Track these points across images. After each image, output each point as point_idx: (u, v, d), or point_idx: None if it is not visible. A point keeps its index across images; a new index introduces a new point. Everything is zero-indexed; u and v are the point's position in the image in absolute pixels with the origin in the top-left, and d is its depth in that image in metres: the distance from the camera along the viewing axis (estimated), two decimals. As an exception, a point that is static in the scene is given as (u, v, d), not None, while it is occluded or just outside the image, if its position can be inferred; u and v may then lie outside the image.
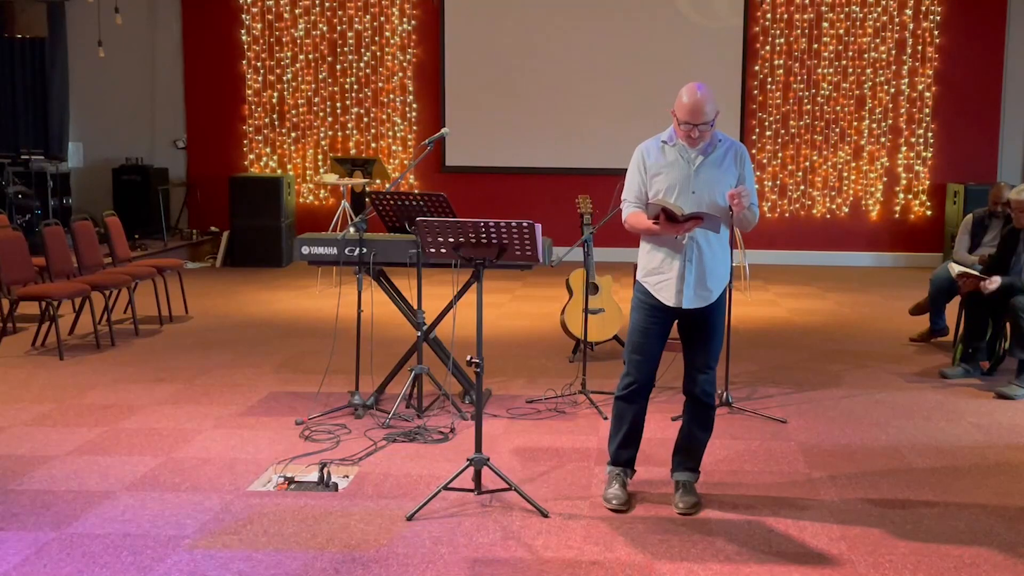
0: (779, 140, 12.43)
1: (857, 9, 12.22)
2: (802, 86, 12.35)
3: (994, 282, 6.37)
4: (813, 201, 12.50)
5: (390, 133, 12.79)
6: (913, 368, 7.02)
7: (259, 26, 12.77)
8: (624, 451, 4.48)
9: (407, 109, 12.74)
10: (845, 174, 12.43)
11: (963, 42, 12.17)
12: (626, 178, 4.39)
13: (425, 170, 12.62)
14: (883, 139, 12.35)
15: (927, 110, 12.28)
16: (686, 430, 4.48)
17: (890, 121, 12.32)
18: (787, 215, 12.55)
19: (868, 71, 12.28)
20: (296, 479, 4.66)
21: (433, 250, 4.44)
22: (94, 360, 7.08)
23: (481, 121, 12.51)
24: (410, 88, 12.73)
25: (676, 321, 4.36)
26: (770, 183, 12.50)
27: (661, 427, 5.42)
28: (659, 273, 4.30)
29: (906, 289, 10.00)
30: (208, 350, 7.43)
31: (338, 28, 12.71)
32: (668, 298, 4.27)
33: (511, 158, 12.56)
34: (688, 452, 4.47)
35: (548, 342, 7.67)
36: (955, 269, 6.72)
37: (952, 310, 7.42)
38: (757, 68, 12.35)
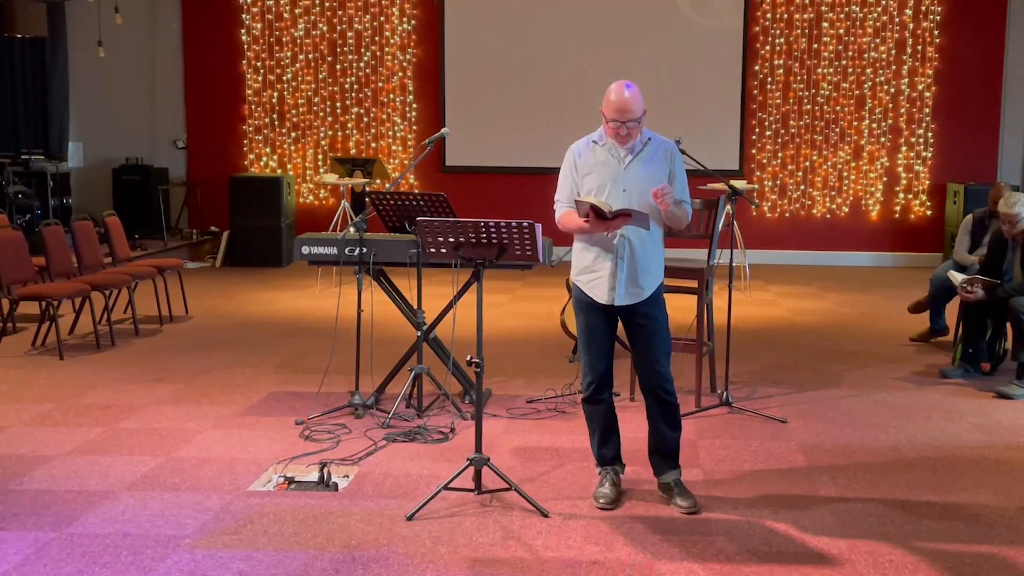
0: (779, 140, 12.43)
1: (857, 9, 12.22)
2: (802, 86, 12.35)
3: (977, 294, 6.47)
4: (813, 201, 12.50)
5: (390, 133, 12.79)
6: (913, 368, 7.02)
7: (259, 26, 12.77)
8: (606, 449, 4.51)
9: (407, 109, 12.74)
10: (845, 174, 12.43)
11: (963, 42, 12.17)
12: (558, 179, 4.42)
13: (425, 170, 12.62)
14: (883, 139, 12.35)
15: (927, 110, 12.28)
16: (655, 431, 4.46)
17: (890, 121, 12.32)
18: (787, 215, 12.55)
19: (868, 71, 12.28)
20: (296, 479, 4.66)
21: (433, 250, 4.44)
22: (94, 360, 7.08)
23: (481, 121, 12.51)
24: (410, 88, 12.73)
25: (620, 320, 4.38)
26: (770, 183, 12.50)
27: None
28: (592, 272, 4.33)
29: (906, 289, 9.99)
30: (208, 350, 7.43)
31: (338, 28, 12.71)
32: (600, 296, 4.30)
33: (511, 158, 12.56)
34: (663, 452, 4.45)
35: (548, 342, 7.67)
36: (957, 278, 6.70)
37: (952, 310, 7.42)
38: (757, 68, 12.35)
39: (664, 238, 4.45)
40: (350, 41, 12.70)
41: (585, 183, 4.33)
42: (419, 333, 5.70)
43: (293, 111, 12.84)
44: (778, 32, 12.31)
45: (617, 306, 4.29)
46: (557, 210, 4.42)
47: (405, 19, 12.63)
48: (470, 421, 5.44)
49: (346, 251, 5.67)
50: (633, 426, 5.05)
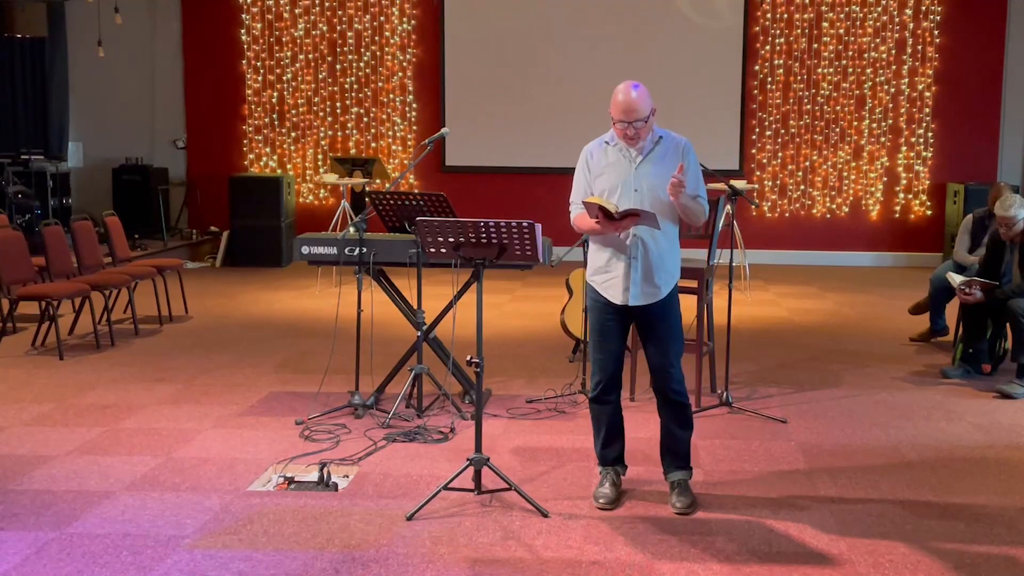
0: (779, 140, 12.43)
1: (857, 9, 12.22)
2: (802, 86, 12.35)
3: (975, 296, 6.47)
4: (813, 201, 12.50)
5: (390, 133, 12.79)
6: (913, 368, 7.02)
7: (259, 26, 12.77)
8: (609, 450, 4.50)
9: (407, 109, 12.74)
10: (845, 174, 12.43)
11: (963, 42, 12.17)
12: (573, 180, 4.41)
13: (425, 170, 12.62)
14: (883, 139, 12.35)
15: (927, 110, 12.28)
16: (666, 430, 4.47)
17: (890, 121, 12.32)
18: (787, 215, 12.55)
19: (868, 71, 12.28)
20: (296, 479, 4.66)
21: (433, 250, 4.44)
22: (94, 360, 7.08)
23: (481, 121, 12.51)
24: (410, 88, 12.73)
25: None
26: (770, 183, 12.50)
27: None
28: (606, 272, 4.32)
29: (906, 289, 9.99)
30: (208, 350, 7.43)
31: (338, 28, 12.71)
32: (615, 296, 4.29)
33: (511, 158, 12.57)
34: (674, 452, 4.46)
35: (548, 342, 7.67)
36: (955, 280, 6.70)
37: (952, 310, 7.42)
38: (757, 68, 12.35)
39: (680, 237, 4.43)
40: (350, 41, 12.70)
41: (598, 184, 4.31)
42: (419, 333, 5.70)
43: (293, 111, 12.84)
44: (778, 32, 12.31)
45: (632, 306, 4.28)
46: (572, 211, 4.41)
47: (405, 19, 12.63)
48: (470, 421, 5.44)
49: (346, 251, 5.67)
50: (632, 425, 5.04)
